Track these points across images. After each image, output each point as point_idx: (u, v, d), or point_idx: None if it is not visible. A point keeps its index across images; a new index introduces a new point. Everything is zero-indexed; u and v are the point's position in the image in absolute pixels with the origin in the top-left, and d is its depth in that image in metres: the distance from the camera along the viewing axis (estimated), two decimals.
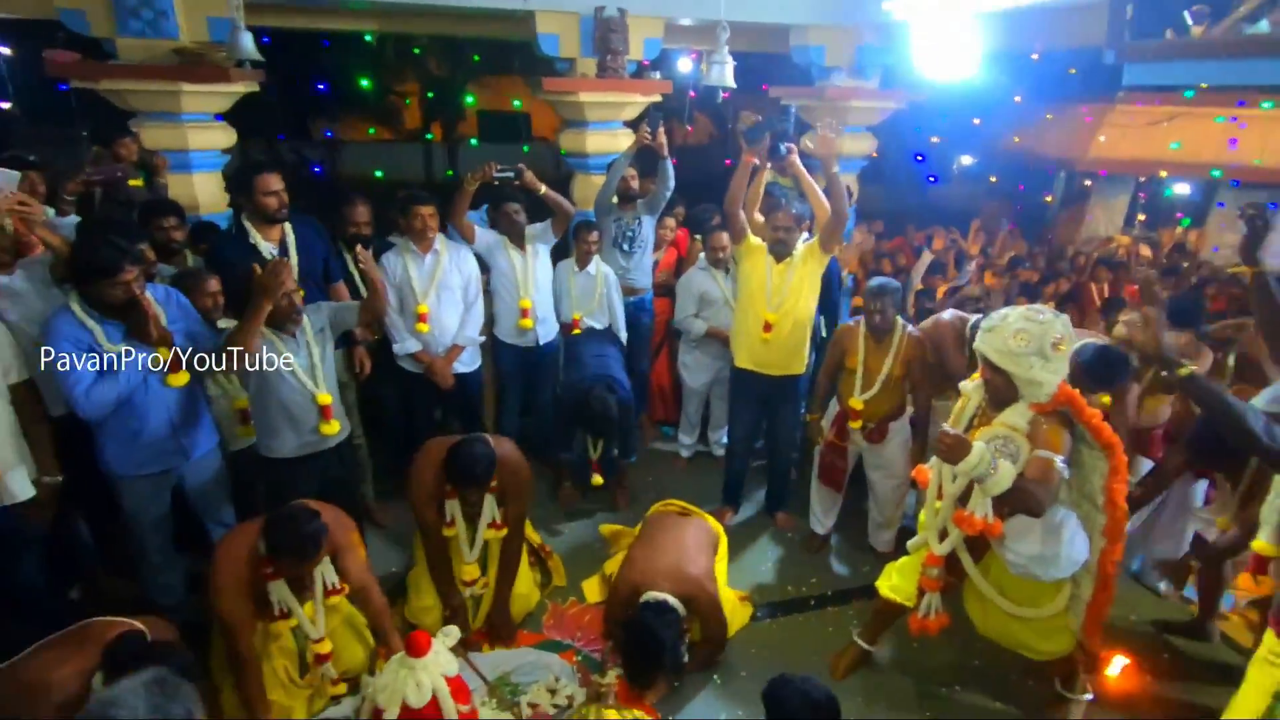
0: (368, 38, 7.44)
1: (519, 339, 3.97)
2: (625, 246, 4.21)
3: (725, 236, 4.00)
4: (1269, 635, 2.02)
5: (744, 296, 3.59)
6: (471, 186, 3.69)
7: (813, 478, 3.69)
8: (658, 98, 4.40)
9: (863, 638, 2.94)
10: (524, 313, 3.88)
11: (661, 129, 3.92)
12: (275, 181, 3.09)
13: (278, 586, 2.39)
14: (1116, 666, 2.88)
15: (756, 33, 4.77)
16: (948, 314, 3.61)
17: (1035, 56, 5.66)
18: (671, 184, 4.15)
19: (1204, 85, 6.78)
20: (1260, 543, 1.98)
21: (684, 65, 5.37)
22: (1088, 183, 8.16)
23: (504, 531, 2.96)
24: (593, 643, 3.07)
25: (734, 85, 3.77)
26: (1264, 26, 2.35)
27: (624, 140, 4.45)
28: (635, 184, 4.24)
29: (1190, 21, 2.51)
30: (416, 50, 10.50)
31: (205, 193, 4.15)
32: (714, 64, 3.68)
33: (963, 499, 2.40)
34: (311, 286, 3.25)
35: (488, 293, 3.97)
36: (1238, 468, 2.67)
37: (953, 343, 3.45)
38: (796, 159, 3.47)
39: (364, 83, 9.56)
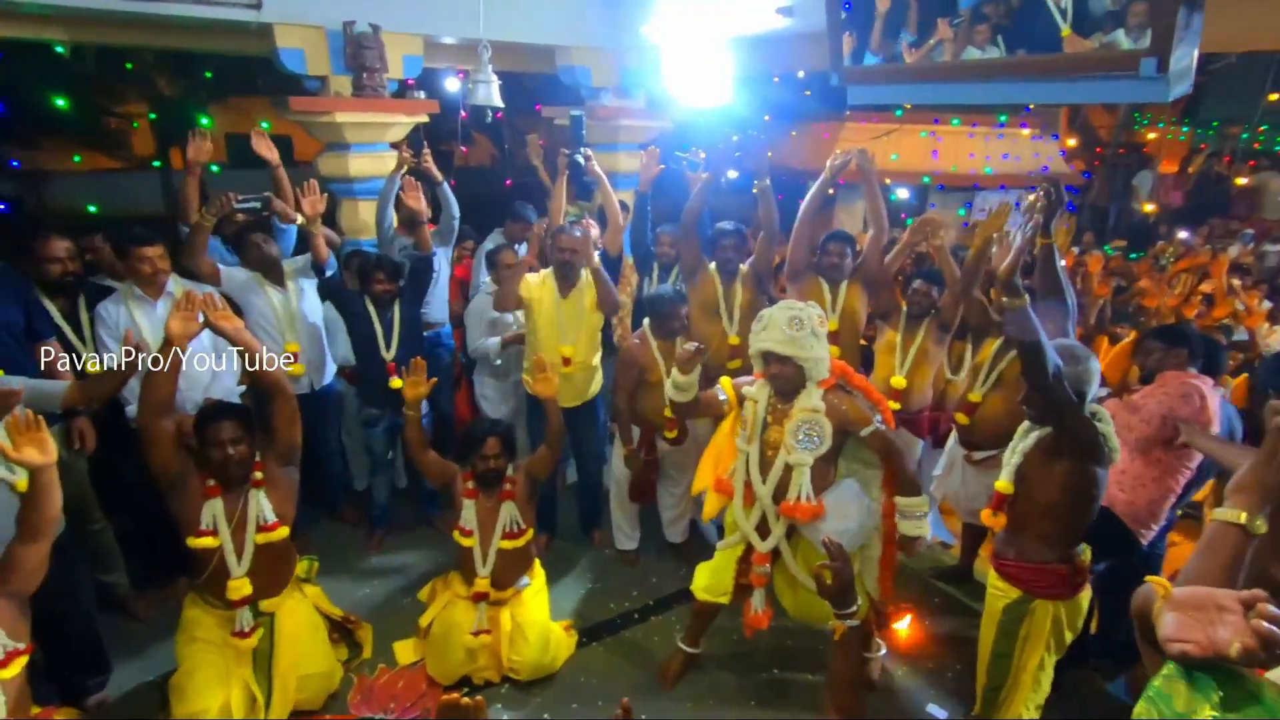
0: (59, 49, 6.24)
1: (292, 386, 3.54)
2: None
3: (511, 254, 3.91)
4: (990, 571, 2.37)
5: (534, 333, 3.54)
6: (208, 222, 3.23)
7: (615, 499, 3.73)
8: (424, 118, 4.19)
9: (686, 642, 2.99)
10: (292, 358, 3.48)
11: (427, 152, 3.74)
12: None
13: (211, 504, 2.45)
14: (901, 620, 3.22)
15: (522, 53, 4.75)
16: None
17: (776, 80, 6.29)
18: (456, 209, 3.98)
19: (908, 105, 8.02)
20: (1001, 482, 2.30)
21: (452, 85, 5.19)
22: (831, 191, 9.24)
23: (525, 538, 2.94)
24: (409, 710, 2.80)
25: (501, 105, 3.71)
26: (944, 54, 2.76)
27: (391, 163, 4.17)
28: (420, 206, 4.03)
29: (903, 48, 2.90)
30: (129, 65, 9.05)
31: None
32: (478, 83, 3.59)
33: (777, 494, 2.53)
34: (9, 347, 2.63)
35: None
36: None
37: None
38: (595, 165, 3.57)
39: (60, 102, 7.99)
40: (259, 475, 2.56)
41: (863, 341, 3.84)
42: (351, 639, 3.06)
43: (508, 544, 2.88)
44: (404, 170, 3.68)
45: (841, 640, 1.57)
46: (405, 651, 3.07)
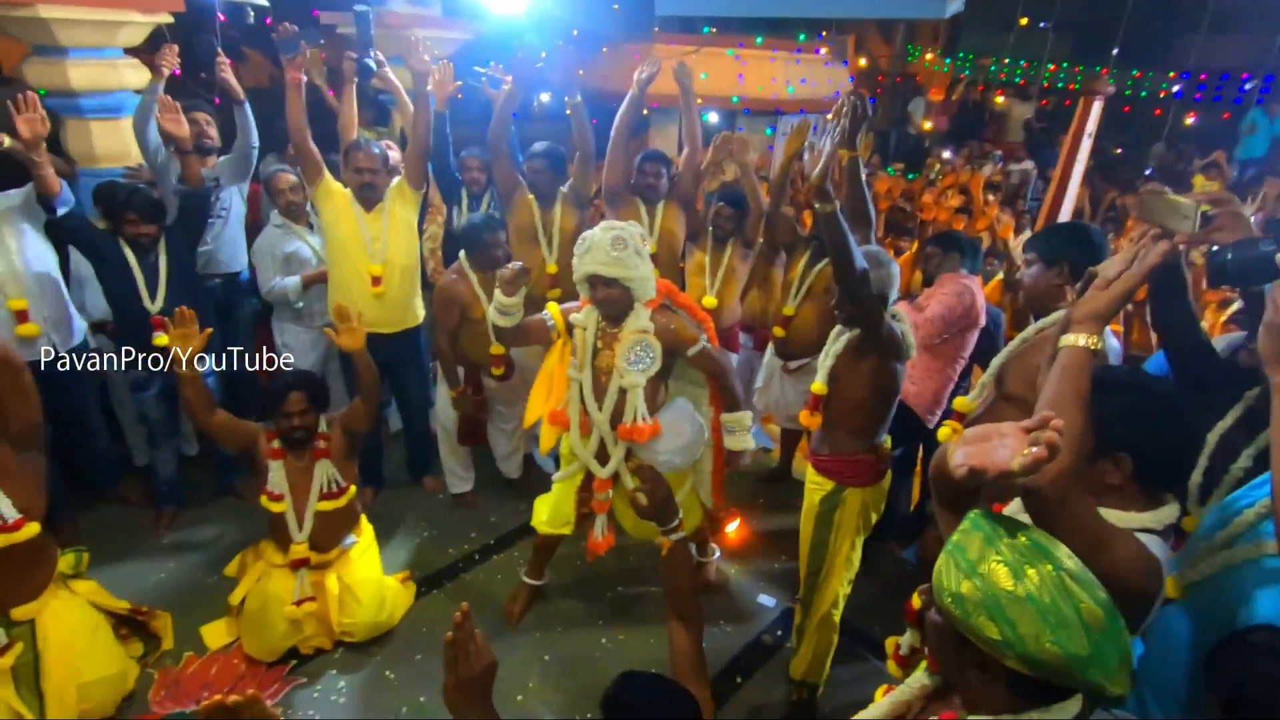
0: None
1: (26, 352, 2.90)
2: None
3: (289, 177, 3.44)
4: (808, 467, 2.56)
5: (337, 251, 3.19)
6: None
7: (444, 443, 3.55)
8: (167, 17, 3.46)
9: (529, 576, 2.97)
10: (20, 316, 2.84)
11: (223, 60, 3.12)
12: None
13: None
14: (730, 523, 3.43)
15: None
16: None
17: None
18: (255, 137, 3.38)
19: (715, 30, 8.08)
20: (816, 384, 2.45)
21: None
22: (646, 113, 9.19)
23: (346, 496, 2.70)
24: (230, 695, 2.53)
25: (264, 3, 3.16)
26: None
27: (129, 73, 3.44)
28: (212, 131, 3.42)
29: None
30: None
31: None
32: None
33: (613, 419, 2.51)
34: None
35: None
36: None
37: None
38: (388, 71, 3.16)
39: None
40: None
41: (681, 265, 3.89)
42: (146, 632, 2.68)
43: (327, 505, 2.64)
44: (162, 81, 3.05)
45: (670, 554, 1.62)
46: (216, 634, 2.76)
